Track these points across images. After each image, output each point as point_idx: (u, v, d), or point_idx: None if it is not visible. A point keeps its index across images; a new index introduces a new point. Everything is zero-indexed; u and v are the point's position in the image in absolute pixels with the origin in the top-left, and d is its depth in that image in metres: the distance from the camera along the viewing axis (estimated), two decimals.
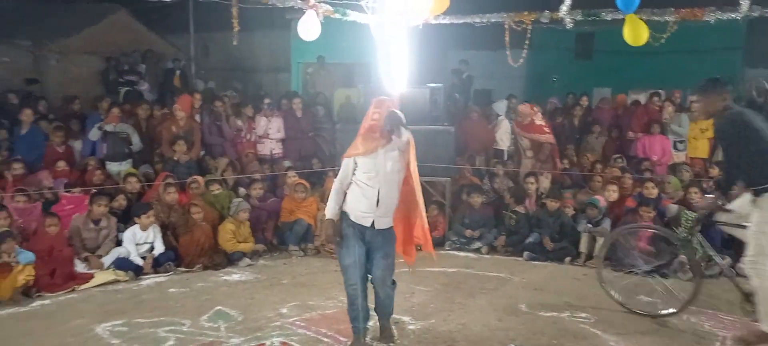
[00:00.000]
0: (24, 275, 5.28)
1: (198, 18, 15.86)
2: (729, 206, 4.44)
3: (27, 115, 7.57)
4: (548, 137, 8.09)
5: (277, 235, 7.23)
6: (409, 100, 7.21)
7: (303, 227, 7.06)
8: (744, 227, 4.27)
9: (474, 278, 6.22)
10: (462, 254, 7.08)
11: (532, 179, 7.52)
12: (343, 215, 4.15)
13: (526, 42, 6.34)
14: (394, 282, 4.39)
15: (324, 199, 7.28)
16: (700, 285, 4.85)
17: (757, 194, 4.07)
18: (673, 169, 7.91)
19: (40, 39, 11.34)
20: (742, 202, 4.31)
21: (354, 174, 4.09)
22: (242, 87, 14.36)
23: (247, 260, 6.55)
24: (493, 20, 6.47)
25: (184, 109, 8.05)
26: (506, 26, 6.38)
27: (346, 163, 4.11)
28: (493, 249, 7.15)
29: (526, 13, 6.24)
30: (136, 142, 7.98)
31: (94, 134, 7.94)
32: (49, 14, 12.38)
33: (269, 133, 8.96)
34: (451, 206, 7.52)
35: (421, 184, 7.31)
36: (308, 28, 6.26)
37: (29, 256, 5.36)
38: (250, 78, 16.67)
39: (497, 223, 7.35)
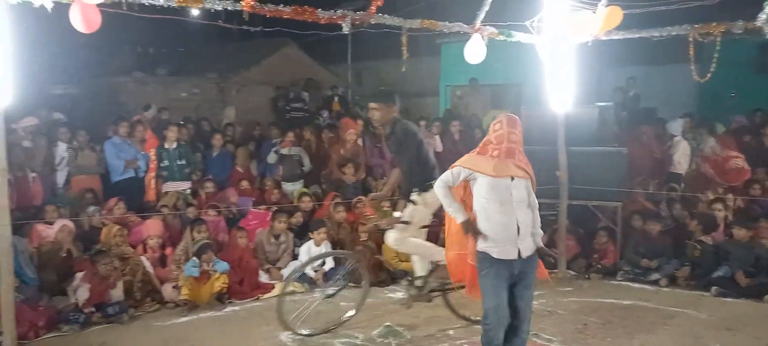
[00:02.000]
0: (220, 283, 5.91)
1: (354, 48, 16.85)
2: (405, 217, 4.82)
3: (217, 139, 8.54)
4: (743, 164, 7.59)
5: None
6: (575, 121, 6.97)
7: None
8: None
9: (653, 313, 5.75)
10: (637, 285, 6.58)
11: (719, 206, 6.80)
12: (481, 255, 3.78)
13: (715, 55, 5.75)
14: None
15: None
16: None
17: (424, 189, 4.71)
18: None
19: (225, 72, 12.79)
20: (413, 209, 4.81)
21: (472, 196, 3.80)
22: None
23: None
24: (674, 33, 5.98)
25: (347, 131, 8.51)
26: (690, 39, 5.86)
27: (458, 173, 3.81)
28: (673, 281, 6.55)
29: (714, 23, 5.67)
30: (307, 163, 8.60)
31: (271, 158, 8.71)
32: (232, 51, 13.93)
33: None
34: (622, 233, 7.05)
35: (589, 209, 7.02)
36: (474, 51, 6.31)
37: (224, 265, 5.98)
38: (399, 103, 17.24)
39: (677, 253, 6.75)
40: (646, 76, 12.09)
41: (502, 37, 6.45)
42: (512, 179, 3.72)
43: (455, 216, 3.83)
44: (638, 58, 11.52)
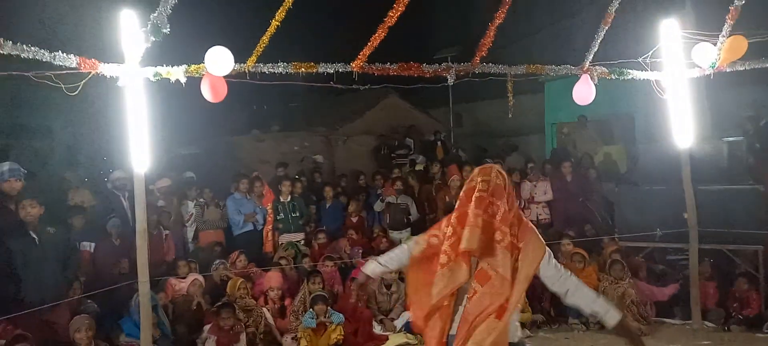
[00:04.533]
0: (336, 334, 6.03)
1: (453, 90, 16.96)
2: None
3: (328, 191, 8.87)
4: None
5: (555, 305, 6.99)
6: (700, 156, 6.51)
7: None
8: None
9: None
10: None
11: None
12: None
13: None
14: None
15: (603, 269, 6.88)
16: None
17: None
18: None
19: (331, 125, 13.36)
20: None
21: None
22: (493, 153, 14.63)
23: (526, 332, 6.44)
24: None
25: (456, 176, 8.49)
26: None
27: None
28: None
29: None
30: (414, 212, 8.67)
31: (377, 206, 8.89)
32: (337, 104, 14.57)
33: (535, 197, 8.91)
34: (765, 280, 6.38)
35: (725, 253, 6.43)
36: (583, 92, 6.10)
37: (340, 317, 6.11)
38: (501, 143, 16.99)
39: None
40: None
41: (613, 77, 6.18)
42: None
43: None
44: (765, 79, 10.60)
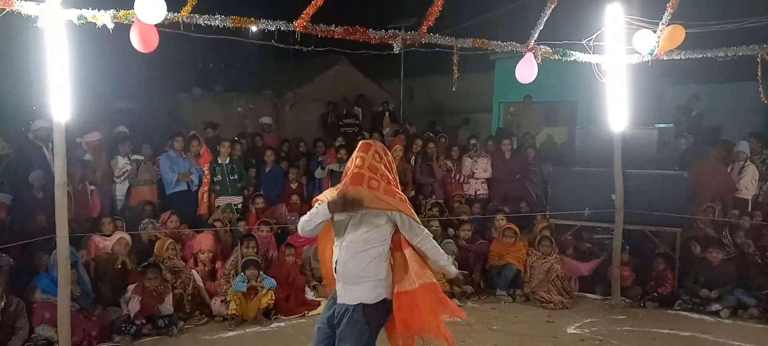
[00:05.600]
0: (267, 299, 5.97)
1: (406, 64, 16.91)
2: None
3: (269, 155, 8.67)
4: None
5: (484, 278, 7.17)
6: (633, 142, 6.72)
7: (512, 271, 6.90)
8: None
9: None
10: (696, 316, 6.27)
11: None
12: None
13: None
14: None
15: (533, 245, 7.07)
16: None
17: None
18: None
19: (279, 89, 13.05)
20: None
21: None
22: (443, 129, 14.74)
23: (455, 301, 6.56)
24: (740, 54, 5.68)
25: (399, 146, 8.45)
26: (758, 59, 5.56)
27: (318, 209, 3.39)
28: (735, 313, 6.19)
29: None
30: None
31: (318, 173, 8.77)
32: (286, 68, 14.24)
33: (475, 173, 9.02)
34: (681, 261, 6.72)
35: (646, 234, 6.71)
36: (526, 71, 6.16)
37: (271, 282, 6.05)
38: (451, 119, 17.11)
39: (740, 284, 6.37)
40: (710, 94, 11.55)
41: (557, 57, 6.26)
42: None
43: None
44: (702, 75, 11.03)
